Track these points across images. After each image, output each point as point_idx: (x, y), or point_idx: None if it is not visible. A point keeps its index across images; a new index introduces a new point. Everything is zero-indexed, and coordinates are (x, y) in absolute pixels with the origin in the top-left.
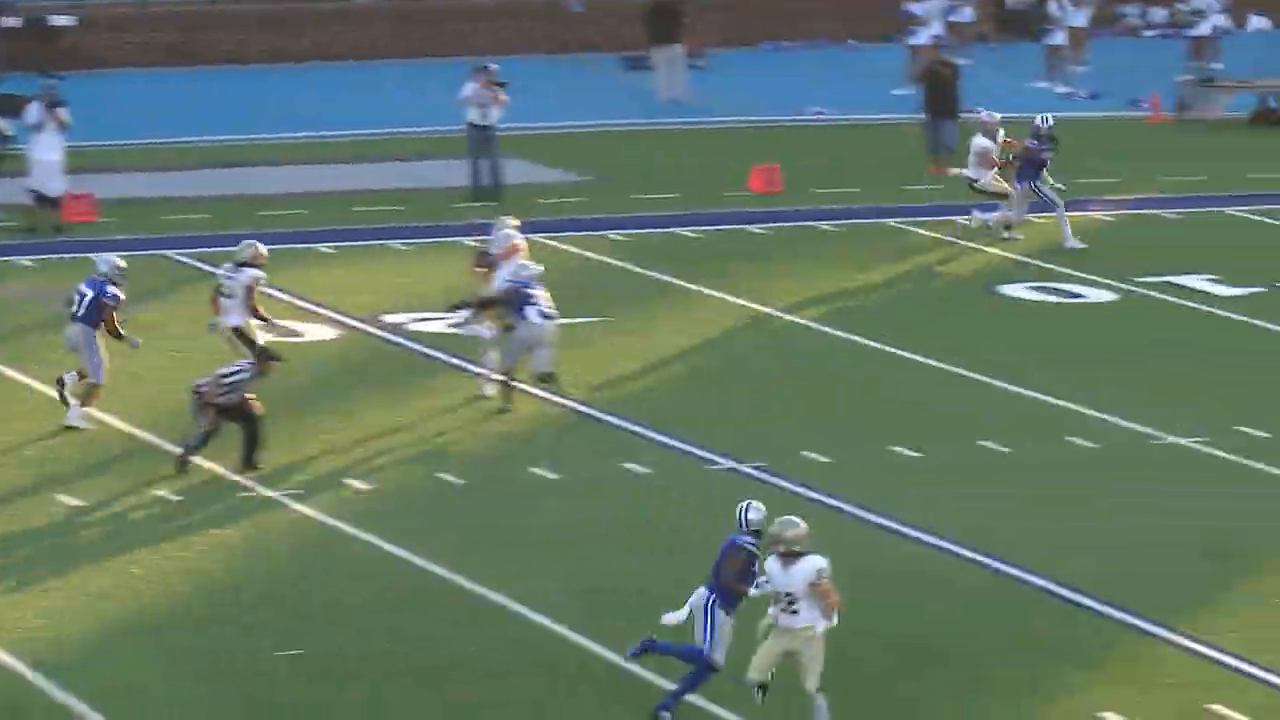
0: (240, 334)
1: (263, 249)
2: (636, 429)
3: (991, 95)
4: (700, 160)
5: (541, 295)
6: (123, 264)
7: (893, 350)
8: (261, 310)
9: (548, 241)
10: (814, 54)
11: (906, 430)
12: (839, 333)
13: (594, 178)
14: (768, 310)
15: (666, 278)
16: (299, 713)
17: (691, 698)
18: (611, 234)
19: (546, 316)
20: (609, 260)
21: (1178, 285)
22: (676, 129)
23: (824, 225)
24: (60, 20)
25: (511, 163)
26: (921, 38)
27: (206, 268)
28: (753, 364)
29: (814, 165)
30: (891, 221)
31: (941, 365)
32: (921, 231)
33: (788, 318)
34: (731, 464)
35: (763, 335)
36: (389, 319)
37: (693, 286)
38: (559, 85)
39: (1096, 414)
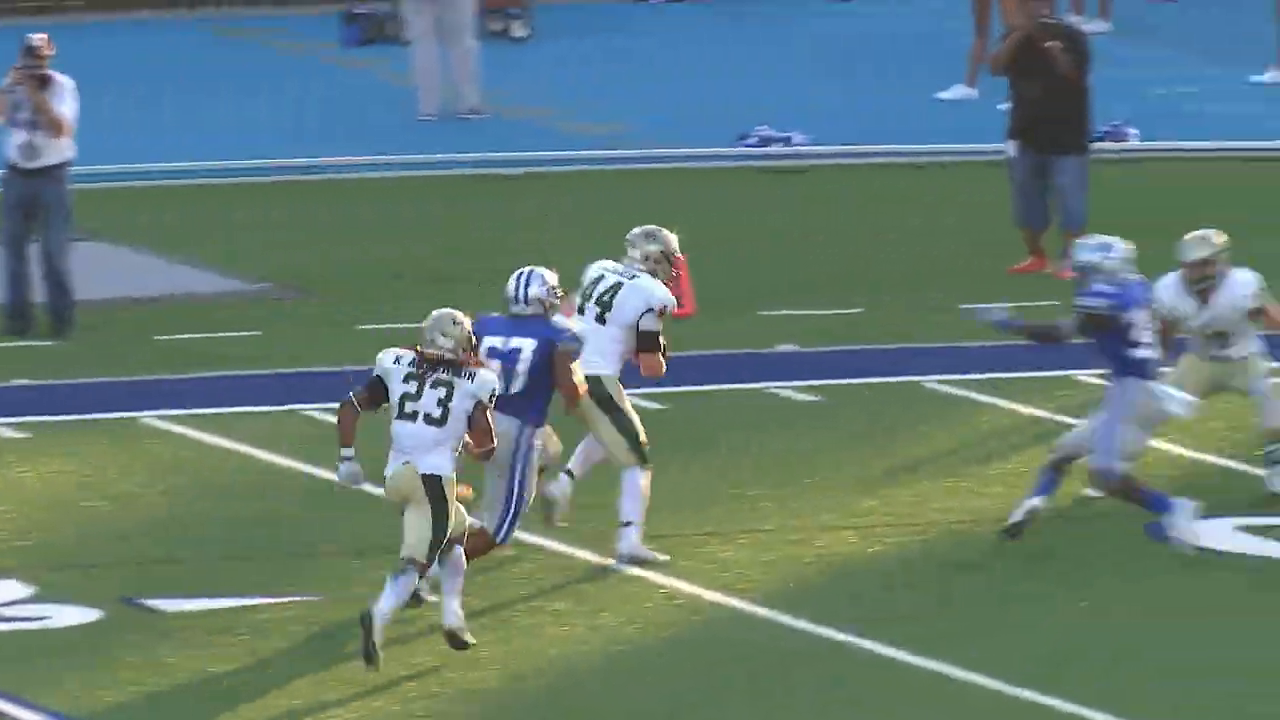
0: None
1: None
2: None
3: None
4: (504, 243)
5: None
6: None
7: None
8: None
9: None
10: (755, 9)
11: None
12: None
13: (282, 289)
14: None
15: None
16: None
17: None
18: None
19: None
20: None
21: None
22: (455, 176)
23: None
24: None
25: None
26: None
27: None
28: None
29: (771, 264)
30: (930, 381)
31: None
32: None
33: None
34: None
35: None
36: None
37: None
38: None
39: None
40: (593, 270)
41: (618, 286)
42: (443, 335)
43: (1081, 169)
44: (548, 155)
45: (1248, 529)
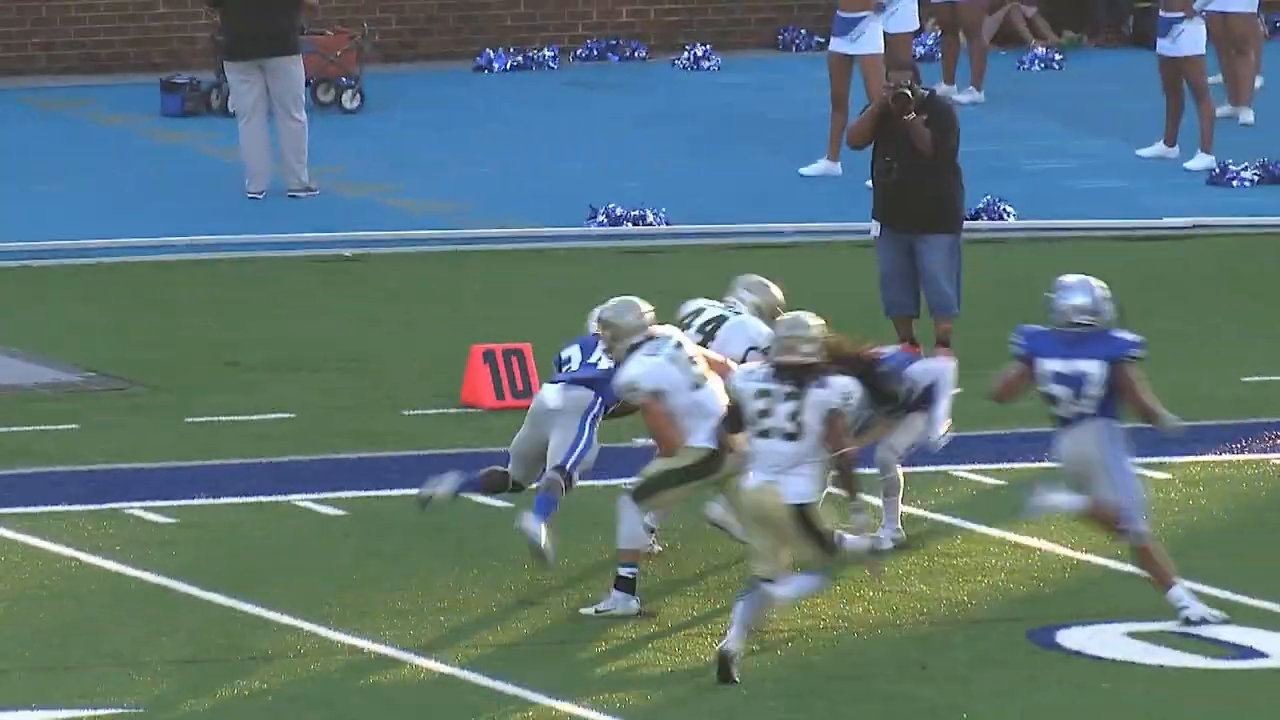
0: None
1: None
2: None
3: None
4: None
5: None
6: None
7: None
8: None
9: None
10: (605, 78)
11: None
12: None
13: (104, 379)
14: None
15: None
16: None
17: None
18: None
19: None
20: None
21: None
22: (287, 258)
23: None
24: None
25: None
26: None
27: None
28: None
29: None
30: None
31: None
32: (875, 503)
33: None
34: None
35: None
36: None
37: None
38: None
39: None
40: (690, 304)
41: (721, 320)
42: (804, 341)
43: (951, 249)
44: (384, 235)
45: (1138, 635)
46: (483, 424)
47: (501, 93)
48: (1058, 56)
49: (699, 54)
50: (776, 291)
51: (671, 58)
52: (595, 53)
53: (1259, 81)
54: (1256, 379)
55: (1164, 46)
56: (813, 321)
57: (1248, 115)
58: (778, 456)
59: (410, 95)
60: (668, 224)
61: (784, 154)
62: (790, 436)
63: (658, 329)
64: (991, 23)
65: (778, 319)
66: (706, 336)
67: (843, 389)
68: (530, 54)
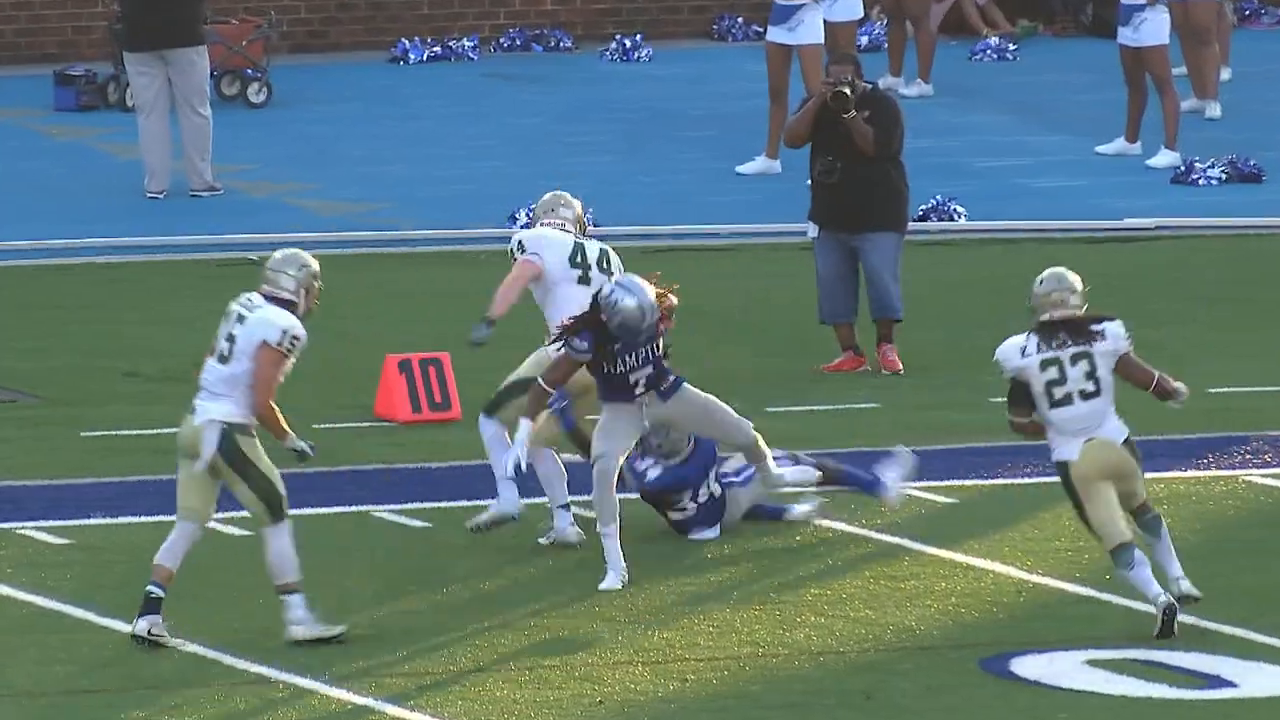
0: None
1: None
2: None
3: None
4: None
5: None
6: None
7: None
8: None
9: None
10: (528, 70)
11: None
12: None
13: None
14: None
15: None
16: None
17: None
18: None
19: None
20: None
21: None
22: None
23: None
24: None
25: None
26: None
27: None
28: None
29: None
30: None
31: None
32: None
33: None
34: None
35: None
36: None
37: None
38: None
39: None
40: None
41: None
42: (1069, 291)
43: (894, 248)
44: (293, 237)
45: (1097, 663)
46: (398, 438)
47: (418, 85)
48: (1011, 46)
49: (629, 44)
50: (573, 201)
51: (600, 48)
52: (518, 43)
53: (1226, 73)
54: (1225, 390)
55: (1125, 35)
56: (1072, 274)
57: (1214, 109)
58: (1085, 419)
59: (321, 88)
60: (594, 225)
61: (719, 151)
62: (1091, 396)
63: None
64: (940, 10)
65: (1039, 277)
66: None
67: (1119, 330)
68: (449, 44)
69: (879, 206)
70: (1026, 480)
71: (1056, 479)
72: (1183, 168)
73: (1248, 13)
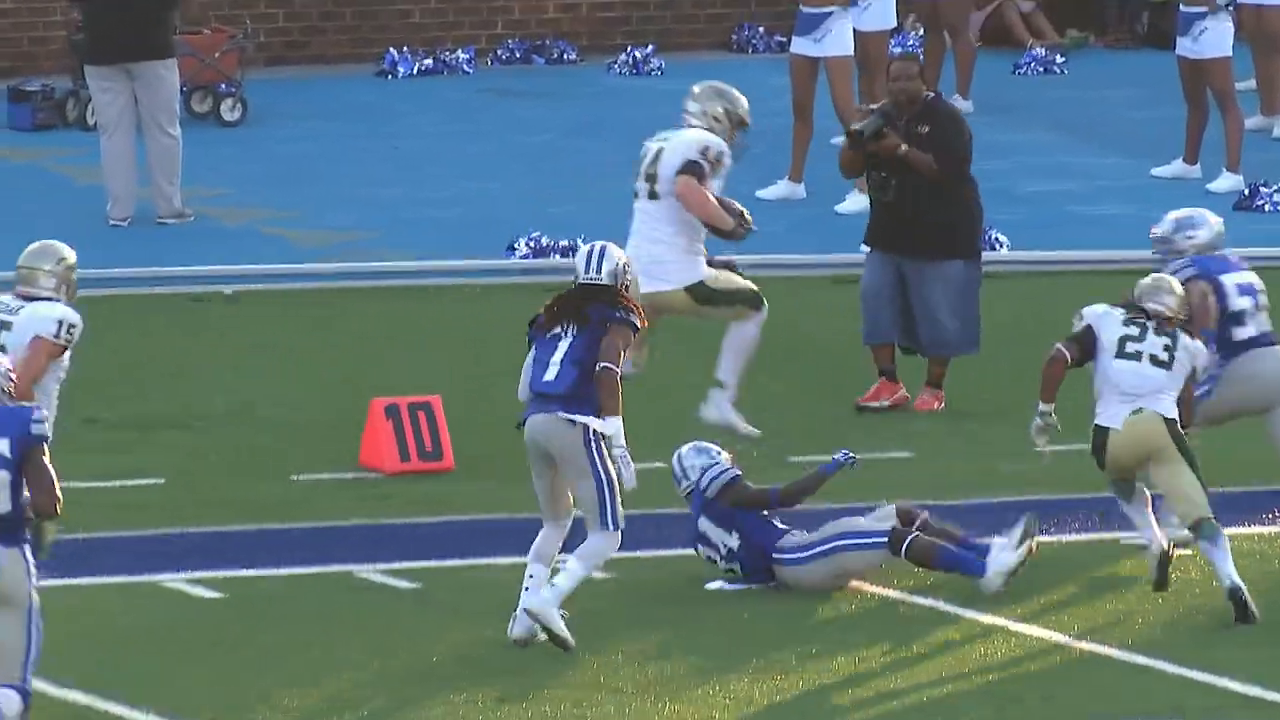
0: None
1: None
2: None
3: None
4: None
5: None
6: None
7: None
8: None
9: None
10: (528, 84)
11: None
12: None
13: None
14: None
15: None
16: None
17: None
18: None
19: None
20: None
21: None
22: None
23: None
24: None
25: None
26: None
27: None
28: None
29: None
30: None
31: None
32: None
33: None
34: None
35: None
36: None
37: None
38: None
39: None
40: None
41: (659, 153)
42: (1169, 294)
43: (958, 279)
44: (270, 269)
45: None
46: (384, 490)
47: (408, 101)
48: (1059, 59)
49: (639, 56)
50: (734, 95)
51: (607, 60)
52: (517, 54)
53: None
54: None
55: (1184, 47)
56: (1177, 286)
57: None
58: (1144, 385)
59: (301, 104)
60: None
61: (738, 174)
62: (1162, 365)
63: None
64: (981, 19)
65: (1140, 282)
66: (651, 180)
67: (1203, 345)
68: (442, 56)
69: (937, 233)
70: (1076, 537)
71: (1106, 534)
72: (1247, 192)
73: None
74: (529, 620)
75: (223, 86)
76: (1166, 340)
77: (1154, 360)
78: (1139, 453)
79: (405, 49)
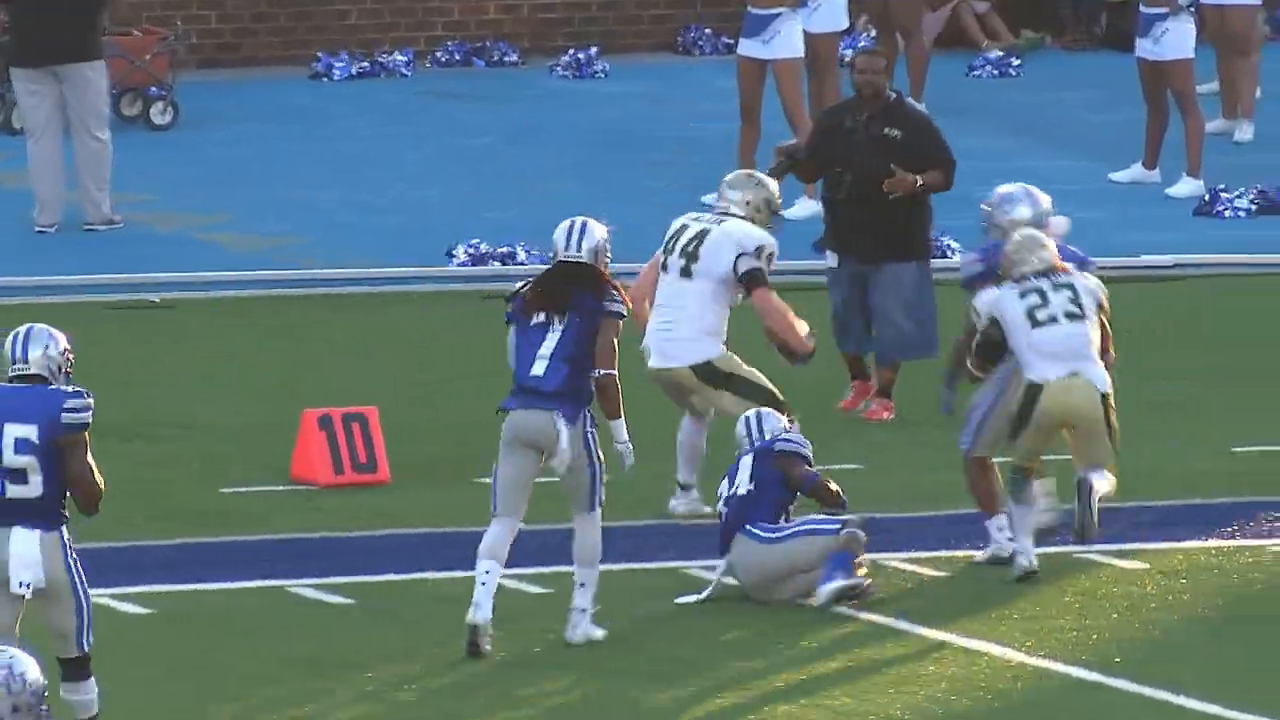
0: None
1: None
2: None
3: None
4: None
5: None
6: None
7: None
8: None
9: None
10: (468, 86)
11: None
12: None
13: None
14: None
15: None
16: None
17: None
18: None
19: None
20: None
21: None
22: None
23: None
24: None
25: None
26: None
27: None
28: None
29: (488, 418)
30: None
31: None
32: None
33: None
34: None
35: None
36: None
37: None
38: None
39: None
40: (675, 223)
41: (703, 234)
42: (1040, 248)
43: (910, 281)
44: (201, 277)
45: None
46: (318, 503)
47: (344, 105)
48: (1015, 61)
49: (582, 59)
50: (770, 183)
51: (549, 63)
52: (457, 57)
53: (1257, 91)
54: (1251, 449)
55: (1144, 48)
56: (1044, 236)
57: (1245, 131)
58: (1068, 341)
59: (234, 108)
60: (543, 263)
61: (683, 179)
62: (1076, 318)
63: None
64: (935, 20)
65: (1014, 240)
66: (689, 258)
67: (1099, 282)
68: (379, 58)
69: (892, 234)
70: None
71: (1060, 548)
72: (1207, 197)
73: None
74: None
75: (153, 89)
76: (1069, 292)
77: (1068, 316)
78: (1067, 415)
79: (341, 51)
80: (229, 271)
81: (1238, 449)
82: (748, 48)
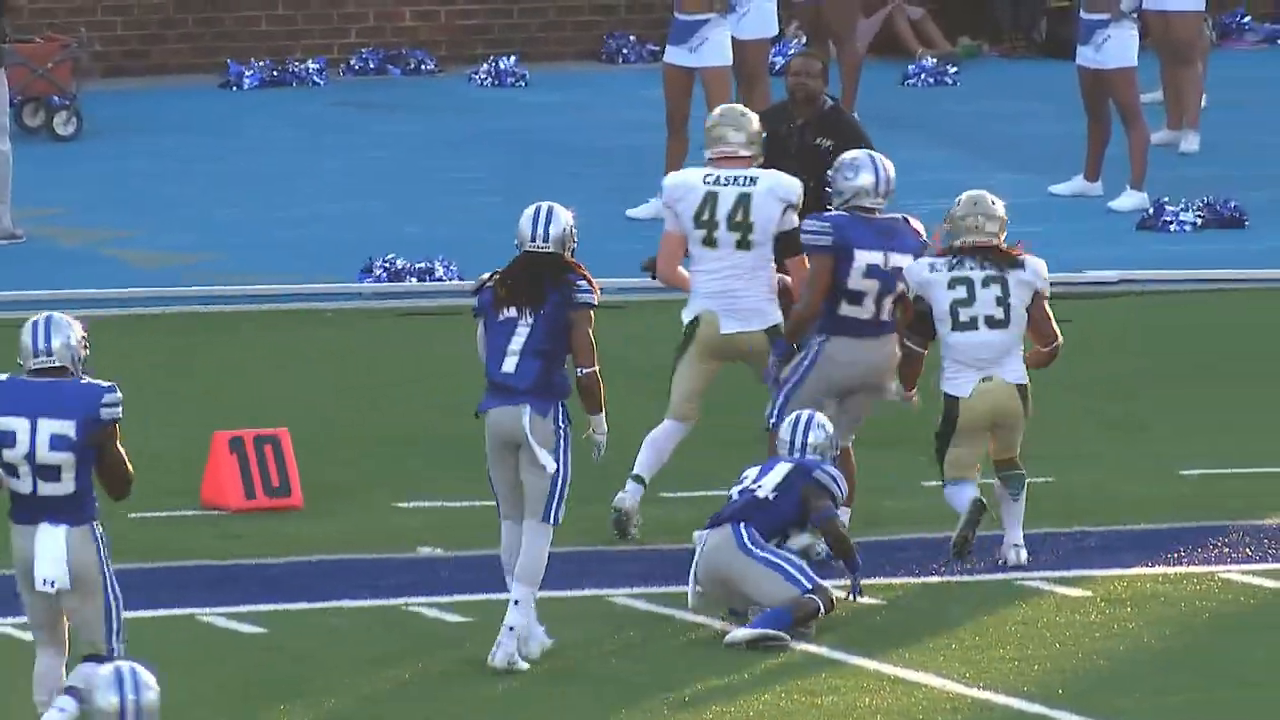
0: None
1: None
2: None
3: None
4: None
5: None
6: None
7: None
8: None
9: None
10: (386, 96)
11: None
12: None
13: None
14: None
15: None
16: None
17: None
18: None
19: None
20: None
21: None
22: None
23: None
24: None
25: None
26: None
27: None
28: None
29: (418, 438)
30: None
31: None
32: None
33: None
34: None
35: None
36: None
37: None
38: None
39: None
40: (689, 188)
41: (745, 198)
42: (987, 218)
43: None
44: (106, 294)
45: None
46: (228, 529)
47: (255, 114)
48: (951, 69)
49: (502, 66)
50: (751, 113)
51: (468, 71)
52: (371, 65)
53: (1203, 100)
54: (1198, 472)
55: (1085, 56)
56: (993, 197)
57: (1191, 142)
58: (986, 350)
59: (141, 117)
60: (461, 279)
61: (607, 192)
62: (998, 325)
63: None
64: (868, 27)
65: (958, 200)
66: (743, 229)
67: (1041, 266)
68: (290, 67)
69: None
70: (967, 578)
71: (1001, 575)
72: (1151, 211)
73: (1229, 28)
74: (511, 645)
75: (56, 99)
76: (997, 291)
77: (990, 322)
78: (989, 421)
79: (251, 59)
80: (136, 288)
81: (1185, 471)
82: (675, 55)
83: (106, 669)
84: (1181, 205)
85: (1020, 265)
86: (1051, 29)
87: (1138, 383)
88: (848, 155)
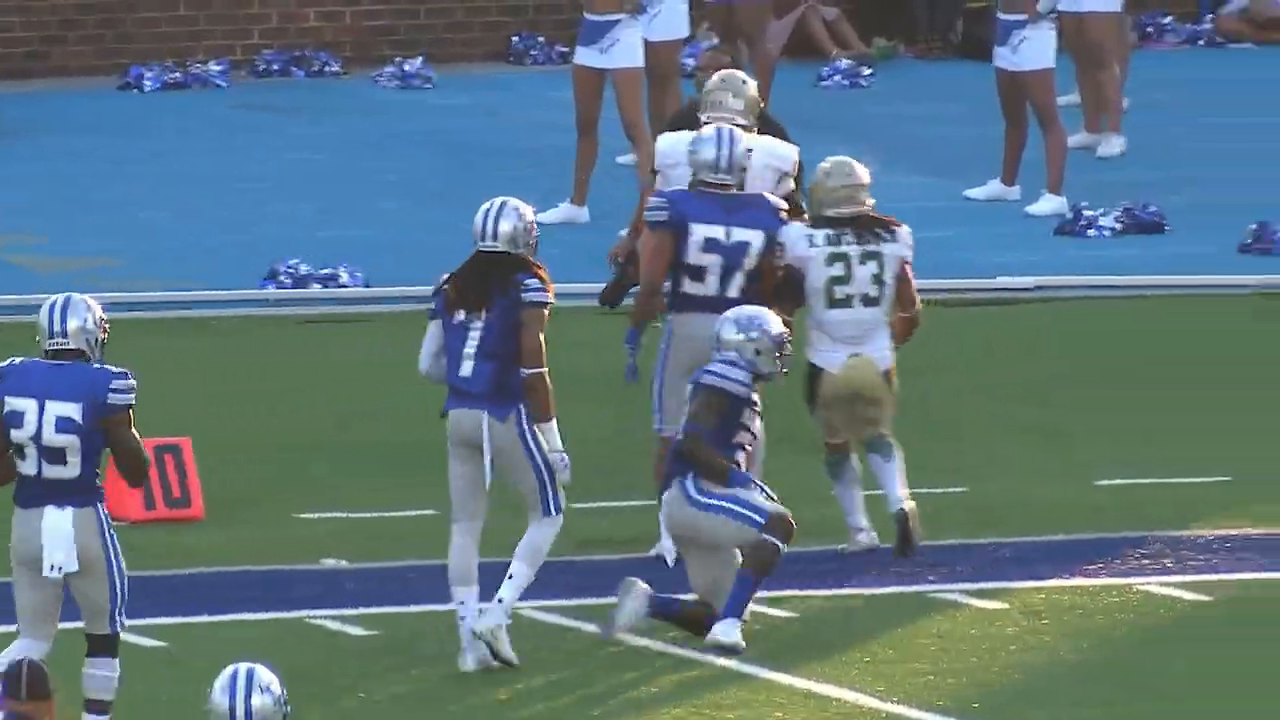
0: None
1: None
2: None
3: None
4: None
5: None
6: None
7: None
8: None
9: None
10: (292, 98)
11: None
12: None
13: None
14: None
15: None
16: None
17: None
18: None
19: None
20: None
21: None
22: None
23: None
24: None
25: None
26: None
27: None
28: None
29: (322, 446)
30: None
31: None
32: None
33: None
34: None
35: None
36: None
37: None
38: None
39: None
40: (675, 155)
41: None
42: (856, 186)
43: None
44: (9, 299)
45: None
46: (128, 541)
47: (156, 117)
48: (866, 70)
49: (408, 68)
50: (754, 84)
51: (373, 73)
52: (275, 66)
53: (1124, 103)
54: (1116, 482)
55: (1003, 57)
56: (859, 164)
57: (1111, 145)
58: (858, 327)
59: (41, 120)
60: (366, 286)
61: (516, 195)
62: (872, 302)
63: None
64: (781, 28)
65: (825, 169)
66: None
67: (908, 235)
68: (192, 68)
69: None
70: (879, 590)
71: (915, 587)
72: (1070, 215)
73: (1149, 29)
74: (480, 646)
75: None
76: (874, 268)
77: (865, 300)
78: (851, 393)
79: (152, 61)
80: (40, 293)
81: (1101, 481)
82: (585, 56)
83: (226, 671)
84: (1100, 210)
85: (894, 236)
86: (968, 30)
87: (1053, 390)
88: (701, 130)
